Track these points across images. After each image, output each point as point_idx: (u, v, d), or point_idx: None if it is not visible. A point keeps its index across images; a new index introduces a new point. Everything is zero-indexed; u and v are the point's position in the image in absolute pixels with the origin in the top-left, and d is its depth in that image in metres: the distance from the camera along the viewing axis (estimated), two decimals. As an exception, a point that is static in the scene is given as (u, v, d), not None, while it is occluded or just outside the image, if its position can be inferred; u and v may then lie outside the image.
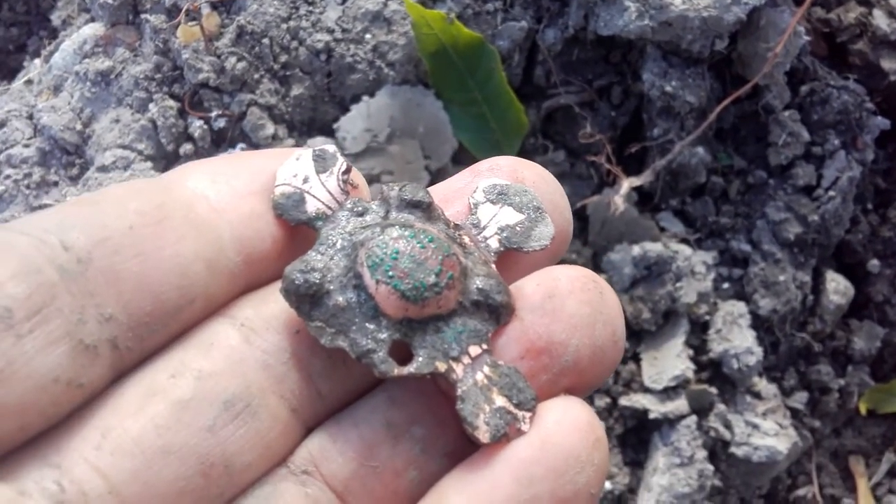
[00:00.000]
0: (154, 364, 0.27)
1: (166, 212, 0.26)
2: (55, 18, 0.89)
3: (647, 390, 0.73)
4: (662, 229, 0.79)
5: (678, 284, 0.75)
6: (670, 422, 0.72)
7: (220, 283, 0.27)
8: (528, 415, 0.27)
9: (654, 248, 0.75)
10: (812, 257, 0.79)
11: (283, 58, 0.76)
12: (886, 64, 0.84)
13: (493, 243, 0.30)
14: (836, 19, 0.85)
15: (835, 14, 0.85)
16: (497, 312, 0.28)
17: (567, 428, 0.27)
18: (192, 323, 0.27)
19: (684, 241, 0.78)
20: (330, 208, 0.29)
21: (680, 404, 0.72)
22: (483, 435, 0.27)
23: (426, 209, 0.29)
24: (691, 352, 0.75)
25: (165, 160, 0.76)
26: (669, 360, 0.73)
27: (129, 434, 0.25)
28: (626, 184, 0.77)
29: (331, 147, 0.30)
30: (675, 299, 0.75)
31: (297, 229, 0.29)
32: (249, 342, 0.27)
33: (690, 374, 0.73)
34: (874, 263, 0.82)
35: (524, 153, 0.81)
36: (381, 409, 0.28)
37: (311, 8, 0.77)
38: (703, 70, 0.78)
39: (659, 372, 0.73)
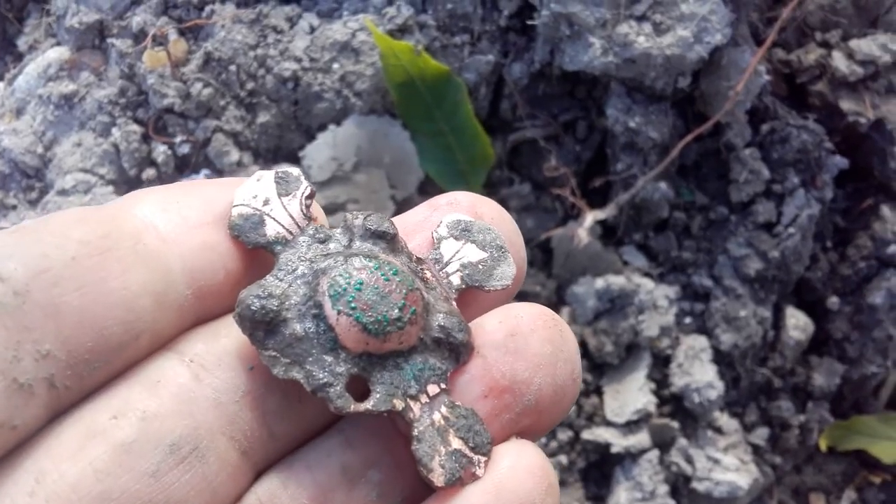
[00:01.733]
0: (95, 402, 0.25)
1: (112, 242, 0.25)
2: (22, 44, 0.89)
3: (609, 424, 0.73)
4: (625, 263, 0.79)
5: (641, 318, 0.75)
6: (632, 456, 0.72)
7: (168, 317, 0.26)
8: (483, 459, 0.27)
9: (617, 281, 0.75)
10: (772, 293, 0.80)
11: (250, 85, 0.76)
12: (845, 105, 0.85)
13: (455, 280, 0.29)
14: (796, 60, 0.87)
15: (795, 55, 0.87)
16: (457, 351, 0.27)
17: (521, 474, 0.26)
18: (136, 360, 0.26)
19: (647, 274, 0.79)
20: (290, 233, 0.28)
21: (642, 438, 0.72)
22: (438, 478, 0.26)
23: (390, 240, 0.28)
24: (653, 385, 0.75)
25: (127, 185, 0.75)
26: (632, 394, 0.73)
27: (66, 479, 0.24)
28: (590, 217, 0.77)
29: (294, 170, 0.29)
30: (637, 332, 0.75)
31: (252, 262, 0.28)
32: (199, 379, 0.26)
33: (652, 408, 0.73)
34: (833, 301, 0.83)
35: (490, 185, 0.82)
36: (336, 452, 0.27)
37: (279, 36, 0.77)
38: (666, 107, 0.79)
39: (621, 405, 0.73)
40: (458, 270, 0.29)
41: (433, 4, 0.78)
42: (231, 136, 0.76)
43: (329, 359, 0.26)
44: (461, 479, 0.26)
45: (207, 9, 0.77)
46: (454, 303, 0.29)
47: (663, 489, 0.71)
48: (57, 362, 0.24)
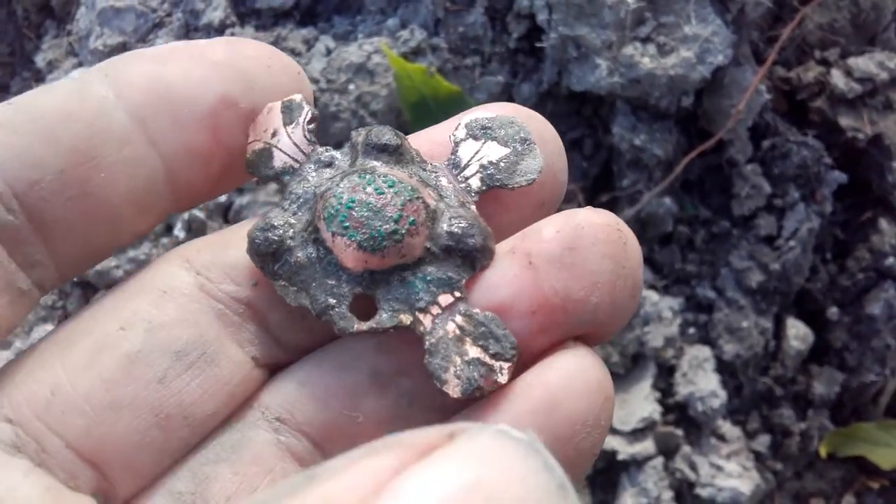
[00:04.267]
0: (105, 312, 0.26)
1: (99, 150, 0.25)
2: (39, 60, 0.92)
3: (615, 432, 0.76)
4: (631, 276, 0.82)
5: (646, 329, 0.78)
6: (638, 463, 0.75)
7: (148, 222, 0.27)
8: (506, 365, 0.25)
9: (623, 293, 0.78)
10: (774, 304, 0.82)
11: (269, 106, 0.79)
12: (844, 121, 0.88)
13: (475, 183, 0.27)
14: (795, 78, 0.89)
15: (795, 73, 0.89)
16: (472, 257, 0.26)
17: (577, 392, 0.24)
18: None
19: (652, 287, 0.81)
20: (296, 161, 0.28)
21: (647, 446, 0.74)
22: (453, 389, 0.25)
23: (394, 152, 0.27)
24: (658, 394, 0.77)
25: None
26: (637, 403, 0.76)
27: (78, 391, 0.25)
28: (597, 232, 0.80)
29: (297, 96, 0.28)
30: (643, 343, 0.77)
31: (234, 162, 0.28)
32: (204, 290, 0.27)
33: (657, 417, 0.75)
34: (833, 311, 0.85)
35: (500, 201, 0.84)
36: (366, 357, 0.27)
37: (296, 58, 0.80)
38: (670, 125, 0.82)
39: (627, 414, 0.76)
40: (477, 172, 0.27)
41: (445, 28, 0.81)
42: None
43: (332, 281, 0.26)
44: (480, 387, 0.25)
45: (228, 32, 0.80)
46: (473, 207, 0.27)
47: (668, 495, 0.74)
48: (46, 269, 0.25)
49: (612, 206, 0.84)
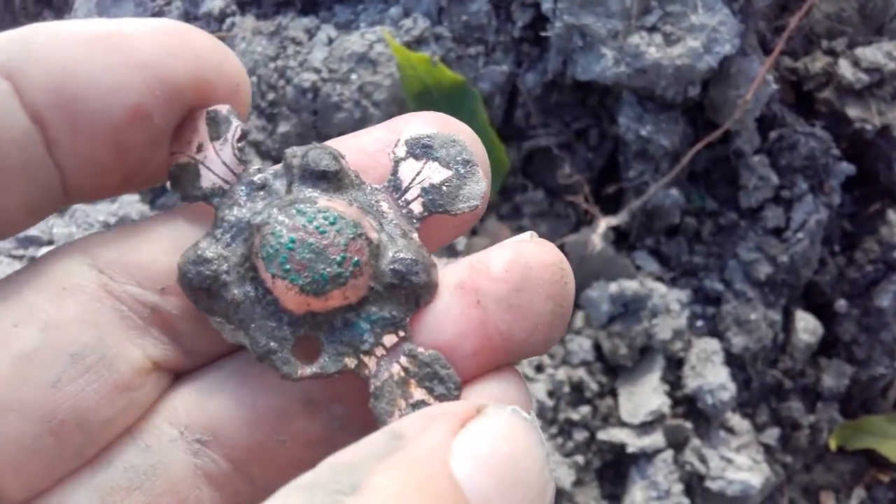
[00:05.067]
0: (2, 304, 0.24)
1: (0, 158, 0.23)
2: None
3: (624, 424, 0.75)
4: (638, 268, 0.81)
5: (654, 321, 0.77)
6: (647, 456, 0.73)
7: (36, 219, 0.25)
8: None
9: (630, 285, 0.77)
10: (782, 297, 0.81)
11: (271, 96, 0.78)
12: (851, 112, 0.87)
13: (417, 208, 0.26)
14: (803, 69, 0.88)
15: (802, 63, 0.89)
16: (416, 294, 0.25)
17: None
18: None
19: (659, 279, 0.80)
20: (226, 181, 0.26)
21: (656, 439, 0.73)
22: None
23: (333, 178, 0.25)
24: (667, 387, 0.76)
25: (152, 193, 0.77)
26: (646, 395, 0.75)
27: None
28: (603, 223, 0.79)
29: (224, 107, 0.26)
30: (650, 336, 0.76)
31: (140, 166, 0.26)
32: (108, 290, 0.25)
33: (666, 409, 0.74)
34: (841, 304, 0.84)
35: (504, 192, 0.83)
36: (302, 382, 0.26)
37: (298, 48, 0.79)
38: (677, 115, 0.81)
39: (636, 407, 0.74)
40: (419, 196, 0.26)
41: (449, 16, 0.80)
42: (253, 146, 0.78)
43: (272, 323, 0.25)
44: None
45: (228, 21, 0.79)
46: (416, 236, 0.26)
47: (678, 488, 0.73)
48: None
49: (618, 197, 0.83)
